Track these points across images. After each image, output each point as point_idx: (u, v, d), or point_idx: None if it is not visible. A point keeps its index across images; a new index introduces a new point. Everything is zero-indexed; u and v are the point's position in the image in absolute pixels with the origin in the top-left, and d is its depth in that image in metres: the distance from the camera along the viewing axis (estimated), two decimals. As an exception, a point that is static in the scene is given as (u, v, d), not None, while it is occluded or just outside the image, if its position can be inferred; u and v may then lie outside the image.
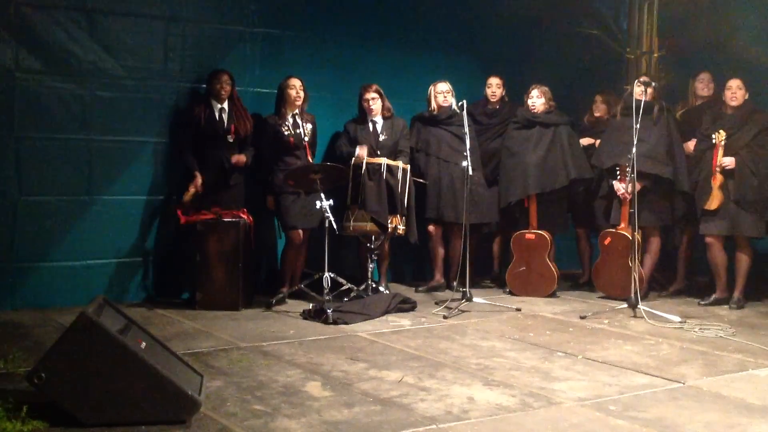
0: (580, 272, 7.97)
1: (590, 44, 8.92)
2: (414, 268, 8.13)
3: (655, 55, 9.13)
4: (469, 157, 6.54)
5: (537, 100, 7.48)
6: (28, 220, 6.33)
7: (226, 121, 6.69)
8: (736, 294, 6.84)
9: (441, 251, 7.55)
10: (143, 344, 3.90)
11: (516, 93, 7.87)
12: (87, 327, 3.67)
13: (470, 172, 6.56)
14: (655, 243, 7.13)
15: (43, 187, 6.38)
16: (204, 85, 6.81)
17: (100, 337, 3.67)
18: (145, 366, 3.68)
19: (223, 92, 6.65)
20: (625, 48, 9.28)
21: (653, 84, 6.60)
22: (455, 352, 5.20)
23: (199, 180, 6.55)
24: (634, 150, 6.38)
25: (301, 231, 6.83)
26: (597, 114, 7.92)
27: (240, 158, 6.72)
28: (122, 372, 3.66)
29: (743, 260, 6.84)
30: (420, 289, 7.47)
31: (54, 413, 3.65)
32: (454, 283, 7.44)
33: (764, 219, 6.80)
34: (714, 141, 6.64)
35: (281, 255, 7.08)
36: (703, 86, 7.50)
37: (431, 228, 7.45)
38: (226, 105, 6.70)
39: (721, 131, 6.59)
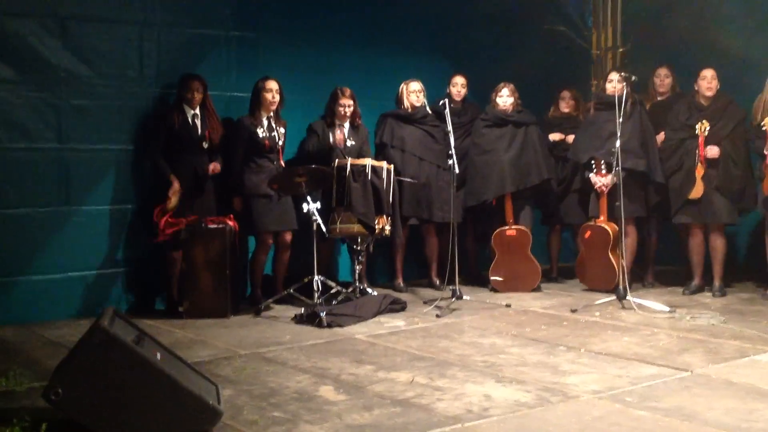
0: (549, 267, 8.01)
1: (556, 41, 9.01)
2: (386, 268, 8.03)
3: (621, 50, 9.27)
4: (454, 155, 6.55)
5: (508, 98, 7.52)
6: (5, 234, 6.15)
7: (200, 128, 6.59)
8: (717, 282, 6.96)
9: (404, 250, 7.58)
10: (158, 355, 3.81)
11: (483, 91, 7.89)
12: (103, 340, 3.55)
13: (456, 171, 6.58)
14: (631, 234, 7.19)
15: (19, 199, 6.21)
16: (178, 90, 6.69)
17: (118, 349, 3.56)
18: (165, 377, 3.59)
19: (194, 99, 6.54)
20: (591, 44, 9.41)
21: (633, 78, 6.65)
22: (458, 350, 5.19)
23: (176, 185, 6.43)
24: (618, 143, 6.46)
25: (271, 235, 6.74)
26: (566, 110, 7.97)
27: (216, 166, 6.64)
28: (141, 385, 3.56)
29: (719, 247, 6.95)
30: (401, 289, 7.42)
31: (72, 430, 3.54)
32: (436, 281, 7.50)
33: (739, 207, 6.94)
34: (697, 131, 6.73)
35: (251, 259, 6.92)
36: (659, 81, 7.59)
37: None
38: (198, 111, 6.59)
39: (704, 122, 6.68)
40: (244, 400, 4.16)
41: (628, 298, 6.34)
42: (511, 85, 7.54)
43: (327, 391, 4.31)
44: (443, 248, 6.89)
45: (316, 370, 4.75)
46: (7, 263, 6.17)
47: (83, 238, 6.46)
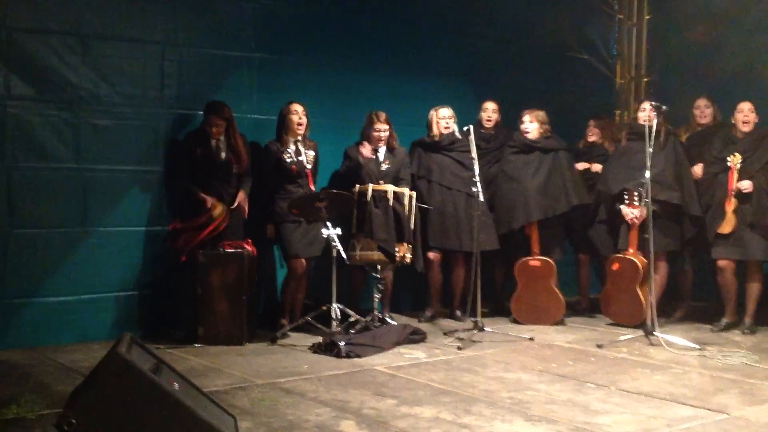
0: (578, 299, 7.83)
1: (581, 69, 8.89)
2: (413, 297, 7.91)
3: (645, 79, 9.15)
4: (479, 183, 6.40)
5: (529, 125, 7.38)
6: (20, 254, 6.01)
7: (224, 153, 6.45)
8: (748, 319, 6.76)
9: (440, 280, 7.38)
10: (176, 385, 3.65)
11: (511, 118, 7.78)
12: (121, 368, 3.40)
13: (481, 199, 6.42)
14: (662, 269, 6.99)
15: (35, 219, 6.07)
16: (201, 112, 6.55)
17: (136, 379, 3.40)
18: (184, 409, 3.42)
19: (214, 132, 6.40)
20: (615, 73, 9.30)
21: (664, 108, 6.49)
22: (482, 385, 5.01)
23: (210, 198, 6.31)
24: (647, 174, 6.29)
25: (303, 260, 6.60)
26: (591, 138, 7.85)
27: (241, 198, 6.52)
28: (159, 416, 3.39)
29: (754, 285, 6.76)
30: (422, 319, 7.25)
31: (85, 462, 3.38)
32: (458, 312, 7.31)
33: None
34: (729, 164, 6.57)
35: (282, 285, 6.79)
36: (699, 113, 7.44)
37: (432, 256, 7.24)
38: (222, 137, 6.47)
39: (736, 154, 6.53)
40: (262, 434, 4.00)
41: (656, 334, 6.14)
42: (536, 112, 7.38)
43: (348, 426, 4.14)
44: (470, 279, 6.67)
45: (336, 402, 4.58)
46: (20, 285, 6.02)
47: (98, 259, 6.32)
